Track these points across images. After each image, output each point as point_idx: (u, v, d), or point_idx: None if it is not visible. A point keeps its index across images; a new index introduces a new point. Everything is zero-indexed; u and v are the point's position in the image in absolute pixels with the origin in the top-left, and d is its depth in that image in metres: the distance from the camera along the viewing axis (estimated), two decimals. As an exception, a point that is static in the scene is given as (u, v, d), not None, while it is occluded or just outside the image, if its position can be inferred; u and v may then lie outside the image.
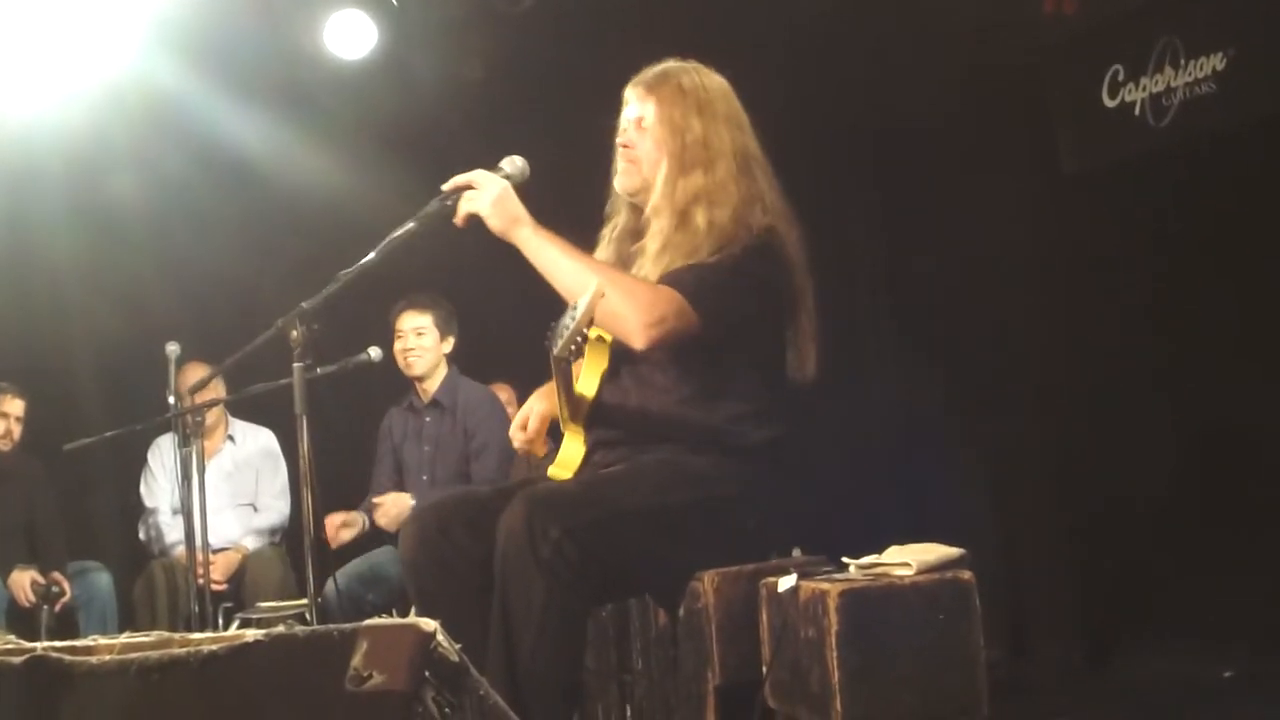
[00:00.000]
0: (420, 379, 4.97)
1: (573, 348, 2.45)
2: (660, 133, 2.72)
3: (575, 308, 2.45)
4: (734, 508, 2.65)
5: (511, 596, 2.38)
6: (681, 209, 2.66)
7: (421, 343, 4.91)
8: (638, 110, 2.77)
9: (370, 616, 1.60)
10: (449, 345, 5.00)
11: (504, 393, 5.43)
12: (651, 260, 2.66)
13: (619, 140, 2.79)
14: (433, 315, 4.92)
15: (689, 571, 2.62)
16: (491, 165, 2.71)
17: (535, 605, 2.35)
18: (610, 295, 2.47)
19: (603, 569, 2.43)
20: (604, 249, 2.86)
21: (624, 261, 2.77)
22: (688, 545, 2.62)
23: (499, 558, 2.41)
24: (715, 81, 2.78)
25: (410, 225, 2.66)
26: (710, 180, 2.67)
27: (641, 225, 2.77)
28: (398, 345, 4.93)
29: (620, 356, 2.72)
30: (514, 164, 2.71)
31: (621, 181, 2.80)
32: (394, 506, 4.73)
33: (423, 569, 2.59)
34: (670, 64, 2.80)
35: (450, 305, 5.03)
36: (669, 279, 2.59)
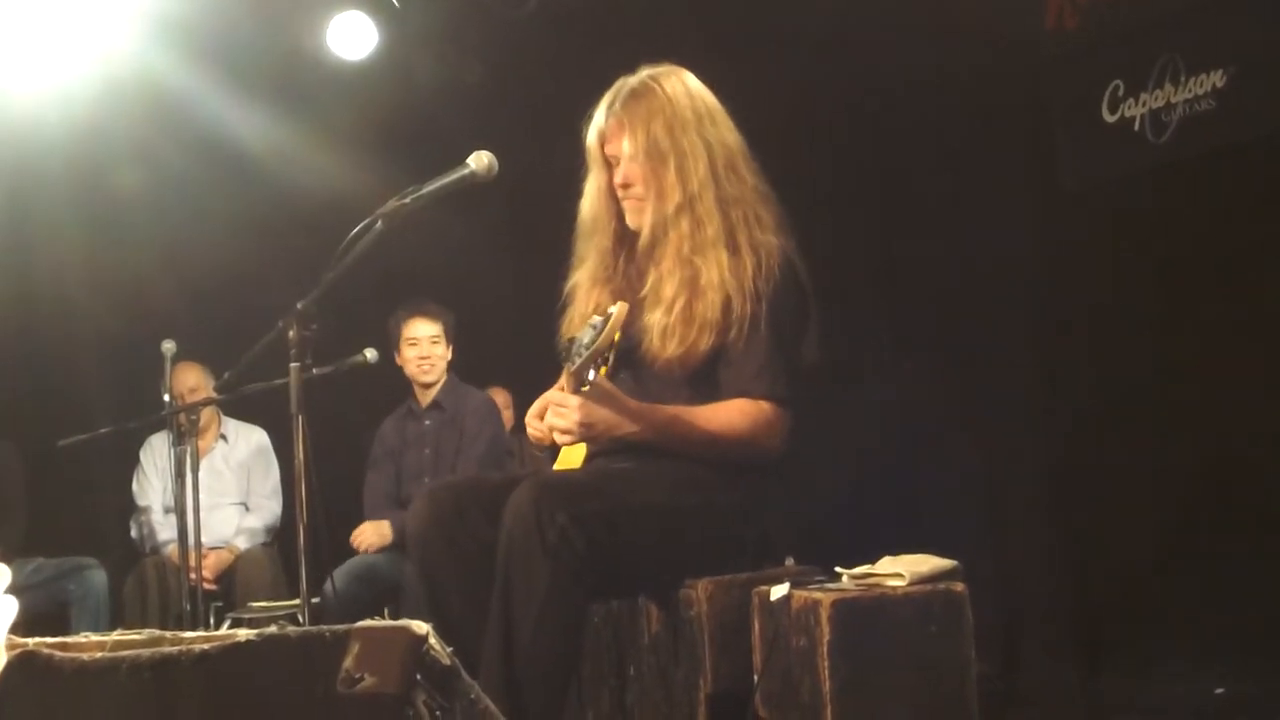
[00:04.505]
0: (429, 385, 5.01)
1: (591, 368, 2.45)
2: (646, 165, 2.67)
3: (594, 326, 2.45)
4: (738, 516, 2.64)
5: (514, 579, 2.35)
6: (685, 254, 2.63)
7: (435, 350, 4.97)
8: (620, 143, 2.70)
9: (366, 614, 1.60)
10: (450, 353, 5.05)
11: (500, 396, 5.44)
12: (664, 309, 2.62)
13: (617, 181, 2.73)
14: (442, 323, 4.98)
15: (687, 575, 2.62)
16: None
17: (538, 589, 2.33)
18: (719, 438, 2.58)
19: (605, 561, 2.42)
20: (585, 295, 2.81)
21: (618, 294, 2.72)
22: (689, 549, 2.61)
23: (504, 537, 2.38)
24: (678, 85, 2.71)
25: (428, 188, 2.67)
26: (701, 206, 2.63)
27: (639, 256, 2.75)
28: (410, 352, 4.96)
29: (624, 359, 2.71)
30: (480, 160, 2.69)
31: (633, 220, 2.74)
32: (374, 534, 4.84)
33: (432, 545, 2.53)
34: (631, 83, 2.72)
35: (452, 312, 5.08)
36: (733, 383, 2.62)
